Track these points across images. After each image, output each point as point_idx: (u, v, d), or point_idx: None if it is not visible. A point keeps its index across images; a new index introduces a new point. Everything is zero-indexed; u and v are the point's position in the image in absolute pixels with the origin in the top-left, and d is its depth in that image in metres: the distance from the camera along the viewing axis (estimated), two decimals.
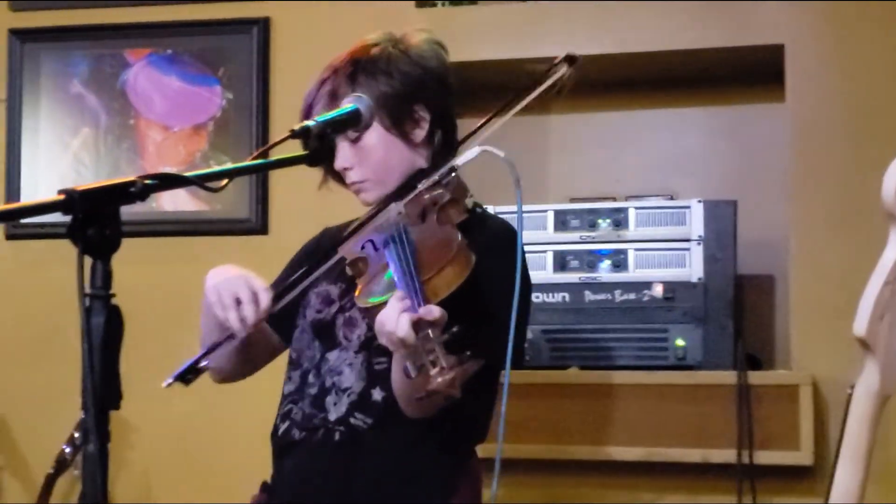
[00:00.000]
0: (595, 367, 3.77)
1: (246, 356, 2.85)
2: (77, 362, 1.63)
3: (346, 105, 2.44)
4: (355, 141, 2.67)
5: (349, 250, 2.57)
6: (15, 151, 4.48)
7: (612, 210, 3.84)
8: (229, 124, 4.34)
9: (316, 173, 2.81)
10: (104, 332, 1.62)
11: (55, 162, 4.46)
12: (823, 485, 1.85)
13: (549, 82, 2.60)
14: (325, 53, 4.28)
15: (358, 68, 2.71)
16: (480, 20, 4.13)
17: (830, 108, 3.83)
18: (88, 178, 4.39)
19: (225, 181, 1.96)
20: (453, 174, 2.56)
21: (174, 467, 4.28)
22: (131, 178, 1.71)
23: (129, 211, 1.68)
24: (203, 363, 2.55)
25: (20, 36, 4.51)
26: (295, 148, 2.24)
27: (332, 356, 2.66)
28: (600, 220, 3.83)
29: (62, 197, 1.62)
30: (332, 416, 2.60)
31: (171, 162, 4.37)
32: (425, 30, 2.86)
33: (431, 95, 2.73)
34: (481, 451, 2.78)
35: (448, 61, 2.82)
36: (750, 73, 4.11)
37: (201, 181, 1.91)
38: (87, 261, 1.64)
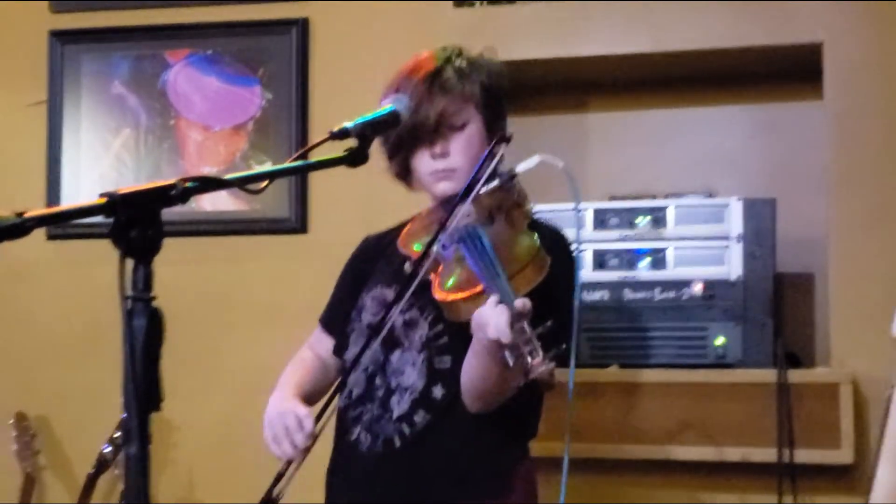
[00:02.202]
0: (635, 366, 3.77)
1: (326, 385, 2.97)
2: (119, 362, 1.64)
3: (386, 105, 2.43)
4: (461, 128, 2.79)
5: (411, 249, 2.73)
6: (56, 152, 4.51)
7: (652, 208, 3.83)
8: (269, 124, 4.36)
9: (354, 172, 2.81)
10: (145, 335, 1.64)
11: (96, 162, 4.49)
12: (864, 483, 1.86)
13: (492, 165, 2.67)
14: (363, 53, 4.33)
15: (450, 72, 2.84)
16: (518, 20, 4.13)
17: (869, 106, 3.82)
18: (129, 179, 4.42)
19: (265, 183, 1.97)
20: (514, 180, 2.67)
21: (217, 466, 4.30)
22: (172, 180, 1.72)
23: (169, 211, 1.69)
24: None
25: (61, 37, 4.54)
26: (334, 148, 2.24)
27: (395, 357, 2.75)
28: (639, 219, 3.82)
29: (104, 200, 1.63)
30: (396, 414, 2.72)
31: (212, 162, 4.39)
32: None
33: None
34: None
35: None
36: (788, 72, 4.10)
37: (241, 183, 1.92)
38: (129, 263, 1.66)
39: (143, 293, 1.65)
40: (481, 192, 2.65)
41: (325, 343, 3.03)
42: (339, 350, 2.96)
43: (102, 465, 4.12)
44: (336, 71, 4.31)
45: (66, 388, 4.42)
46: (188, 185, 1.74)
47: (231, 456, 4.30)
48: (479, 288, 2.45)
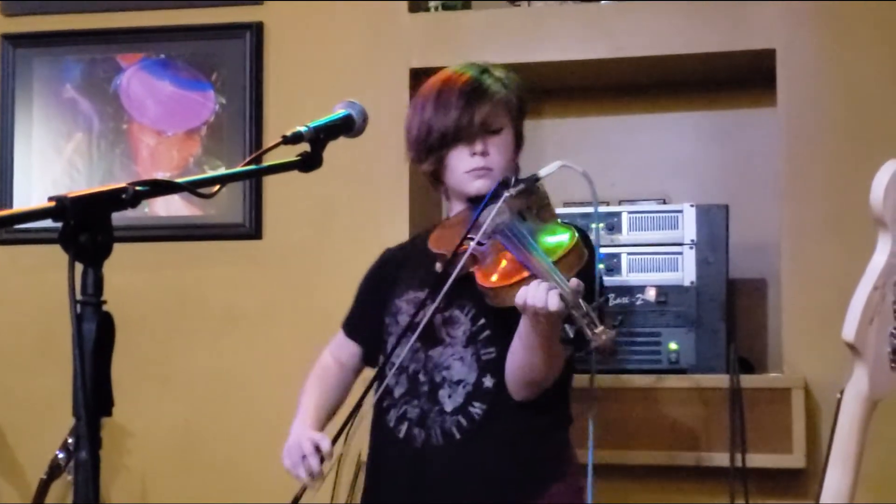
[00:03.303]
0: (588, 371, 3.77)
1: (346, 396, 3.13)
2: (70, 367, 1.63)
3: (339, 111, 2.42)
4: (497, 132, 2.95)
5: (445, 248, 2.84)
6: (7, 157, 4.47)
7: (606, 214, 3.84)
8: (223, 129, 4.34)
9: (309, 177, 2.81)
10: (95, 340, 1.62)
11: (48, 167, 4.46)
12: (816, 487, 1.86)
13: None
14: (317, 58, 4.32)
15: (491, 81, 2.99)
16: (474, 25, 4.13)
17: (821, 112, 3.84)
18: (82, 184, 4.38)
19: (217, 187, 1.96)
20: (537, 183, 2.86)
21: (170, 472, 4.28)
22: (123, 184, 1.71)
23: (122, 216, 1.68)
24: None
25: (13, 41, 4.51)
26: (289, 153, 2.24)
27: (436, 353, 2.88)
28: (593, 224, 3.83)
29: (53, 204, 1.62)
30: (449, 408, 2.85)
31: (165, 167, 4.37)
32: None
33: None
34: None
35: None
36: (742, 78, 4.12)
37: (193, 187, 1.91)
38: (79, 267, 1.64)
39: (92, 297, 1.63)
40: (510, 194, 2.79)
41: (348, 349, 3.14)
42: (370, 358, 3.11)
43: (55, 470, 4.09)
44: (290, 75, 4.30)
45: (18, 393, 4.39)
46: (139, 188, 1.72)
47: (185, 462, 4.27)
48: (525, 273, 2.62)
